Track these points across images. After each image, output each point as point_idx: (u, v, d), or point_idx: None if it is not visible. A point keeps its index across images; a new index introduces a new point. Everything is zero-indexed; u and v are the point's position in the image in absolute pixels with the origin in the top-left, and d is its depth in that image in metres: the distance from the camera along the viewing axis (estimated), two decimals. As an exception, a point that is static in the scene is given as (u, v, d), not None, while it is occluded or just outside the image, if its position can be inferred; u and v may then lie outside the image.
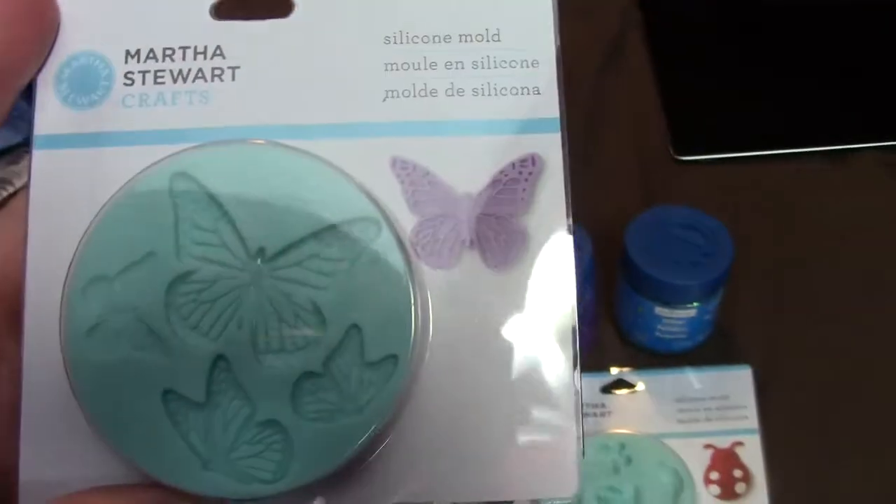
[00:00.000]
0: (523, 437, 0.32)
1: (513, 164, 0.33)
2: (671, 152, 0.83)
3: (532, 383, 0.32)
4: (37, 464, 0.31)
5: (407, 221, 0.33)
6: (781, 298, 0.73)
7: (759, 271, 0.74)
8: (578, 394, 0.32)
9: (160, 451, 0.30)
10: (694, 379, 0.66)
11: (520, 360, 0.32)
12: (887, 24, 0.91)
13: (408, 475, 0.32)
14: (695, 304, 0.64)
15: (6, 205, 0.33)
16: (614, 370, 0.68)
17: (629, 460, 0.60)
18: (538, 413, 0.32)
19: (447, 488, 0.32)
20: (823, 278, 0.74)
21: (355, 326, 0.31)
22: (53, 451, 0.32)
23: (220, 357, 0.31)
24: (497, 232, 0.33)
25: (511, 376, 0.32)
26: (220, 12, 0.34)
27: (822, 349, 0.69)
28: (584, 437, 0.33)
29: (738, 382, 0.66)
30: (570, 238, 0.33)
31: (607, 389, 0.67)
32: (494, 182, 0.33)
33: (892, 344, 0.69)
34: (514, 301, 0.33)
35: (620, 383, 0.68)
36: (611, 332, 0.73)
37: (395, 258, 0.32)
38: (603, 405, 0.66)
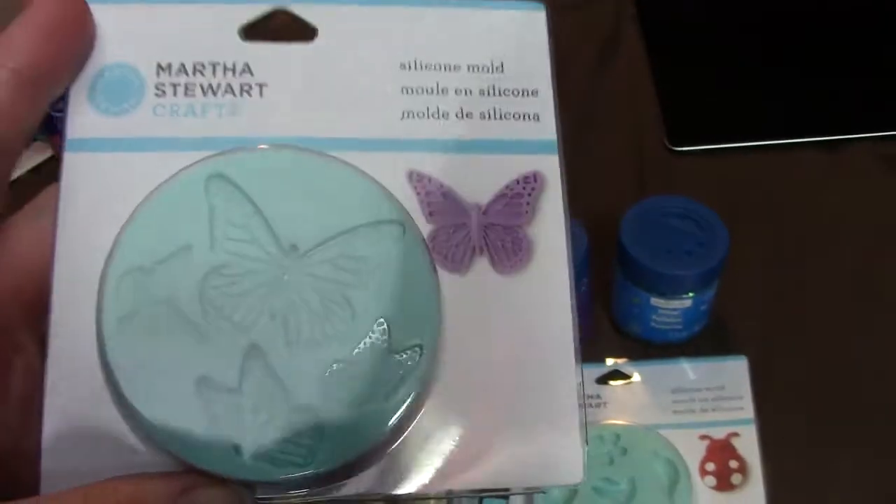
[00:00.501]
0: (530, 428, 0.34)
1: (517, 180, 0.36)
2: (666, 143, 0.84)
3: (537, 377, 0.35)
4: (64, 452, 0.32)
5: (424, 228, 0.35)
6: (777, 289, 0.73)
7: (755, 261, 0.74)
8: (580, 385, 0.35)
9: (193, 437, 0.31)
10: (689, 369, 0.67)
11: (526, 357, 0.35)
12: (882, 15, 0.91)
13: (422, 464, 0.34)
14: (690, 294, 0.65)
15: (25, 209, 0.35)
16: (609, 361, 0.68)
17: (624, 451, 0.61)
18: (543, 405, 0.34)
19: (457, 477, 0.34)
20: (819, 268, 0.74)
21: (383, 319, 0.33)
22: (81, 438, 0.32)
23: (253, 346, 0.32)
24: (504, 240, 0.36)
25: (519, 376, 0.35)
26: (248, 34, 0.37)
27: (818, 339, 0.69)
28: (586, 426, 0.35)
29: (734, 373, 0.66)
30: (569, 246, 0.36)
31: (602, 380, 0.68)
32: (501, 195, 0.36)
33: (888, 334, 0.69)
34: (521, 302, 0.35)
35: (616, 374, 0.68)
36: (606, 323, 0.73)
37: (420, 258, 0.34)
38: (598, 396, 0.66)
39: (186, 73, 0.36)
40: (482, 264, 0.35)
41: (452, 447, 0.34)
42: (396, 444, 0.34)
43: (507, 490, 0.35)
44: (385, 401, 0.33)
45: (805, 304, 0.72)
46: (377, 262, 0.34)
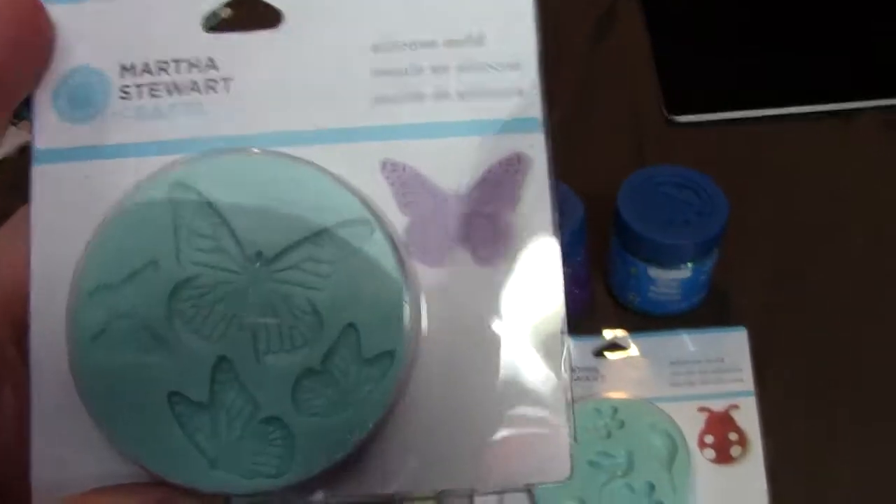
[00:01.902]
0: (515, 425, 0.32)
1: (499, 163, 0.34)
2: (665, 113, 0.82)
3: (523, 372, 0.33)
4: (46, 466, 0.32)
5: (398, 221, 0.33)
6: (778, 259, 0.71)
7: (756, 232, 0.72)
8: (568, 381, 0.33)
9: (167, 452, 0.31)
10: (688, 341, 0.65)
11: (510, 350, 0.33)
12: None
13: (404, 466, 0.32)
14: (689, 264, 0.63)
15: (11, 220, 0.34)
16: (607, 333, 0.66)
17: (622, 424, 0.59)
18: (529, 400, 0.32)
19: (442, 477, 0.32)
20: (822, 239, 0.72)
21: (351, 325, 0.31)
22: (62, 453, 0.32)
23: (222, 358, 0.31)
24: (485, 229, 0.33)
25: (502, 366, 0.33)
26: (211, 25, 0.35)
27: (819, 310, 0.68)
28: (575, 425, 0.33)
29: (734, 344, 0.64)
30: (556, 232, 0.34)
31: (599, 353, 0.66)
32: (481, 181, 0.34)
33: (892, 306, 0.68)
34: (504, 294, 0.33)
35: (613, 347, 0.66)
36: (603, 295, 0.72)
37: (388, 257, 0.32)
38: (595, 369, 0.64)
39: (150, 73, 0.34)
40: (462, 256, 0.33)
41: (434, 447, 0.32)
42: (370, 449, 0.32)
43: (497, 489, 0.34)
44: (357, 408, 0.31)
45: (806, 274, 0.70)
46: (344, 265, 0.32)
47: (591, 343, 0.66)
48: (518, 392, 0.33)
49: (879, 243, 0.71)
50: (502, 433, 0.33)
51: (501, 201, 0.34)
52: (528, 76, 0.35)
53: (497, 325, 0.33)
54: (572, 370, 0.63)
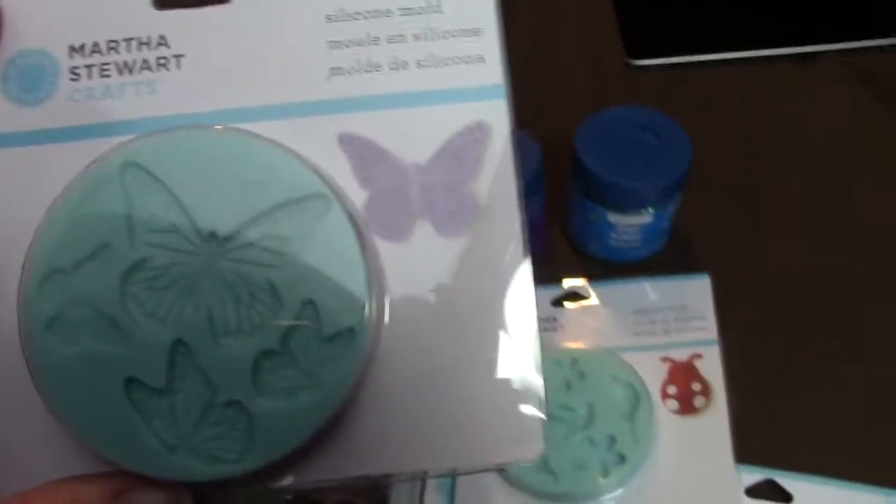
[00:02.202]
0: (486, 404, 0.32)
1: (460, 133, 0.33)
2: (625, 57, 0.80)
3: (492, 348, 0.32)
4: (11, 457, 0.31)
5: (358, 196, 0.33)
6: (741, 204, 0.69)
7: (719, 177, 0.70)
8: (539, 356, 0.32)
9: (125, 440, 0.30)
10: (650, 289, 0.63)
11: (478, 324, 0.32)
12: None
13: (373, 447, 0.32)
14: (650, 209, 0.60)
15: None
16: (567, 282, 0.64)
17: (582, 376, 0.58)
18: (500, 377, 0.32)
19: (413, 458, 0.32)
20: (786, 184, 0.70)
21: (310, 302, 0.31)
22: (17, 443, 0.32)
23: (178, 342, 0.30)
24: (448, 200, 0.33)
25: (470, 344, 0.32)
26: (161, 1, 0.34)
27: (783, 255, 0.66)
28: (547, 400, 0.32)
29: (697, 292, 0.62)
30: (521, 200, 0.33)
31: (558, 302, 0.63)
32: (442, 152, 0.33)
33: (857, 250, 0.66)
34: (470, 266, 0.32)
35: (572, 296, 0.64)
36: (562, 243, 0.69)
37: (346, 232, 0.31)
38: (554, 319, 0.62)
39: (101, 53, 0.34)
40: (424, 229, 0.33)
41: (402, 428, 0.32)
42: (338, 430, 0.32)
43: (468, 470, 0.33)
44: (319, 388, 0.31)
45: (770, 219, 0.69)
46: (300, 241, 0.31)
47: (549, 292, 0.64)
48: (487, 368, 0.32)
49: (846, 188, 0.70)
50: (471, 411, 0.32)
51: (463, 171, 0.33)
52: (488, 42, 0.34)
53: (463, 299, 0.32)
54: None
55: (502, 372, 0.32)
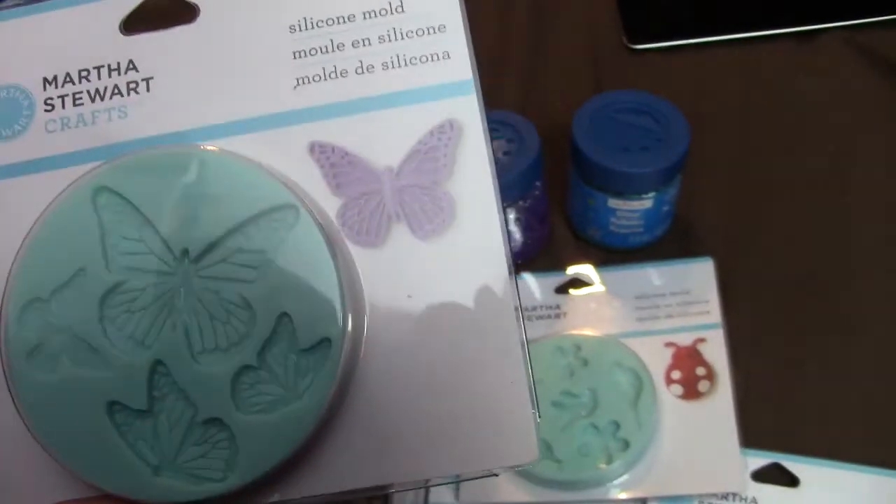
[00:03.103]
0: (475, 408, 0.31)
1: (431, 132, 0.33)
2: (624, 41, 0.79)
3: (477, 351, 0.31)
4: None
5: (331, 204, 0.32)
6: (744, 187, 0.68)
7: (721, 160, 0.69)
8: (526, 355, 0.31)
9: (110, 463, 0.30)
10: (653, 274, 0.62)
11: (462, 327, 0.31)
12: None
13: (361, 459, 0.31)
14: (650, 193, 0.60)
15: None
16: (570, 269, 0.63)
17: (585, 363, 0.57)
18: (487, 381, 0.31)
19: (402, 469, 0.31)
20: (788, 165, 0.69)
21: (285, 315, 0.30)
22: (1, 469, 0.31)
23: (158, 363, 0.30)
24: (422, 202, 0.32)
25: (455, 346, 0.31)
26: (128, 27, 0.34)
27: (786, 238, 0.65)
28: (538, 402, 0.31)
29: (700, 276, 0.61)
30: (497, 194, 0.32)
31: (562, 290, 0.62)
32: (414, 152, 0.32)
33: (859, 231, 0.65)
34: (448, 268, 0.32)
35: (576, 282, 0.62)
36: (564, 230, 0.67)
37: (317, 241, 0.31)
38: (557, 306, 0.61)
39: (73, 82, 0.34)
40: (400, 232, 0.32)
41: (389, 438, 0.31)
42: (323, 444, 0.31)
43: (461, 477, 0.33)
44: (299, 401, 0.30)
45: (772, 201, 0.67)
46: (272, 254, 0.31)
47: (553, 279, 0.63)
48: (475, 372, 0.31)
49: (848, 168, 0.69)
50: (461, 418, 0.31)
51: (437, 171, 0.32)
52: (454, 37, 0.33)
53: (445, 302, 0.32)
54: (527, 311, 0.62)
55: (490, 375, 0.31)
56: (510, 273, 0.32)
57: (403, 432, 0.31)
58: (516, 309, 0.32)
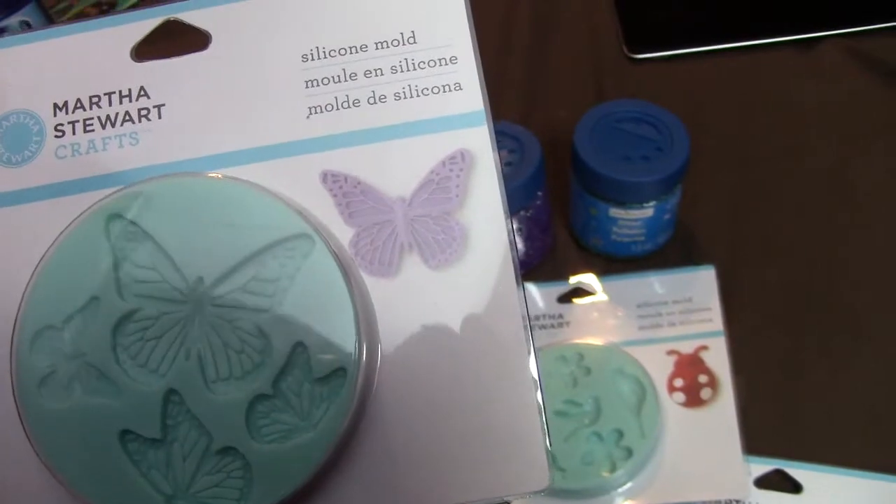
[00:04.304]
0: (487, 436, 0.31)
1: (443, 163, 0.32)
2: (625, 50, 0.78)
3: (489, 380, 0.31)
4: None
5: (344, 233, 0.32)
6: (745, 194, 0.68)
7: (722, 168, 0.69)
8: (538, 383, 0.31)
9: (122, 493, 0.29)
10: (655, 282, 0.62)
11: (474, 356, 0.31)
12: None
13: (374, 488, 0.31)
14: (651, 202, 0.59)
15: None
16: (573, 279, 0.63)
17: (588, 371, 0.57)
18: (500, 409, 0.31)
19: (414, 498, 0.31)
20: (789, 172, 0.69)
21: (300, 344, 0.30)
22: (13, 497, 0.31)
23: (171, 391, 0.30)
24: (434, 232, 0.32)
25: (468, 375, 0.31)
26: (140, 54, 0.33)
27: (788, 245, 0.65)
28: (548, 429, 0.31)
29: (702, 284, 0.61)
30: (509, 225, 0.32)
31: (565, 299, 0.62)
32: (426, 183, 0.32)
33: (860, 239, 0.64)
34: (461, 298, 0.31)
35: (578, 292, 0.62)
36: (566, 239, 0.67)
37: (332, 271, 0.30)
38: (560, 315, 0.61)
39: (84, 108, 0.33)
40: (413, 262, 0.32)
41: (402, 467, 0.31)
42: (337, 471, 0.31)
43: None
44: (313, 430, 0.29)
45: (774, 209, 0.67)
46: (286, 282, 0.30)
47: (555, 289, 0.63)
48: (487, 401, 0.31)
49: (849, 174, 0.68)
50: (473, 446, 0.31)
51: (449, 201, 0.32)
52: (465, 68, 0.33)
53: (458, 333, 0.31)
54: (530, 321, 0.62)
55: (502, 403, 0.31)
56: (521, 303, 0.32)
57: (416, 461, 0.31)
58: (529, 341, 0.32)
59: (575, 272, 0.63)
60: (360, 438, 0.31)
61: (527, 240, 0.61)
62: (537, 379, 0.31)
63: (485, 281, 0.32)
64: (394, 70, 0.33)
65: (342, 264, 0.30)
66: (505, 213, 0.32)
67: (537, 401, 0.31)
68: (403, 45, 0.33)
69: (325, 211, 0.32)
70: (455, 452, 0.31)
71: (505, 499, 0.31)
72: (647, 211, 0.60)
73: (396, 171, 0.32)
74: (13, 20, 0.50)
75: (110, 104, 0.33)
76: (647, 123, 0.59)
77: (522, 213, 0.58)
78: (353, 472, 0.31)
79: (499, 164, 0.32)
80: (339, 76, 0.33)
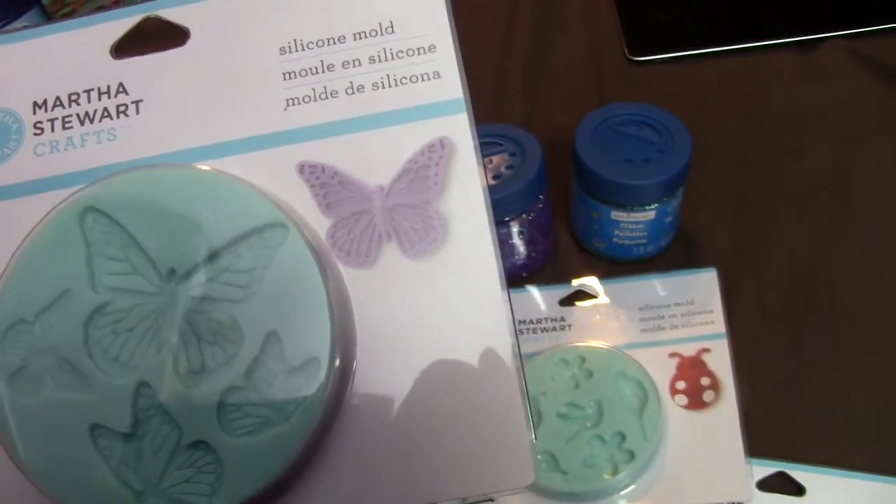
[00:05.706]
0: (469, 430, 0.29)
1: (421, 151, 0.31)
2: (626, 53, 0.77)
3: (471, 371, 0.30)
4: None
5: (321, 223, 0.31)
6: (746, 197, 0.67)
7: (723, 170, 0.68)
8: (522, 374, 0.29)
9: (93, 489, 0.28)
10: (657, 285, 0.61)
11: (455, 348, 0.30)
12: None
13: (352, 483, 0.29)
14: (653, 205, 0.59)
15: None
16: (575, 281, 0.62)
17: (590, 374, 0.56)
18: (481, 402, 0.30)
19: (394, 494, 0.29)
20: (790, 174, 0.67)
21: (273, 333, 0.29)
22: None
23: (143, 384, 0.29)
24: (413, 221, 0.31)
25: (448, 366, 0.30)
26: (119, 51, 0.33)
27: (789, 247, 0.64)
28: (533, 424, 0.30)
29: (704, 286, 0.61)
30: (489, 212, 0.31)
31: (567, 302, 0.61)
32: (405, 171, 0.31)
33: (862, 240, 0.63)
34: (440, 288, 0.30)
35: (580, 295, 0.61)
36: (568, 242, 0.67)
37: (306, 260, 0.29)
38: (562, 318, 0.61)
39: (63, 106, 0.33)
40: (391, 252, 0.31)
41: (381, 462, 0.30)
42: (313, 466, 0.30)
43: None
44: (286, 422, 0.28)
45: (776, 211, 0.66)
46: (260, 272, 0.29)
47: (557, 292, 0.62)
48: (468, 394, 0.30)
49: (845, 174, 0.67)
50: (454, 441, 0.30)
51: (427, 190, 0.31)
52: (444, 57, 0.32)
53: (438, 323, 0.30)
54: (532, 324, 0.61)
55: (484, 396, 0.30)
56: (503, 289, 0.30)
57: (395, 456, 0.29)
58: (511, 325, 0.30)
59: (577, 275, 0.62)
60: (335, 432, 0.30)
61: (528, 243, 0.60)
62: (522, 370, 0.30)
63: (465, 270, 0.31)
64: (372, 60, 0.32)
65: (317, 253, 0.29)
66: (486, 200, 0.31)
67: (522, 394, 0.29)
68: (381, 35, 0.32)
69: (301, 202, 0.31)
70: (435, 447, 0.30)
71: (488, 496, 0.30)
72: (649, 214, 0.59)
73: (374, 160, 0.31)
74: (16, 25, 0.50)
75: (89, 101, 0.33)
76: (649, 126, 0.58)
77: (524, 216, 0.57)
78: (327, 467, 0.30)
79: (479, 152, 0.31)
80: (316, 68, 0.32)
